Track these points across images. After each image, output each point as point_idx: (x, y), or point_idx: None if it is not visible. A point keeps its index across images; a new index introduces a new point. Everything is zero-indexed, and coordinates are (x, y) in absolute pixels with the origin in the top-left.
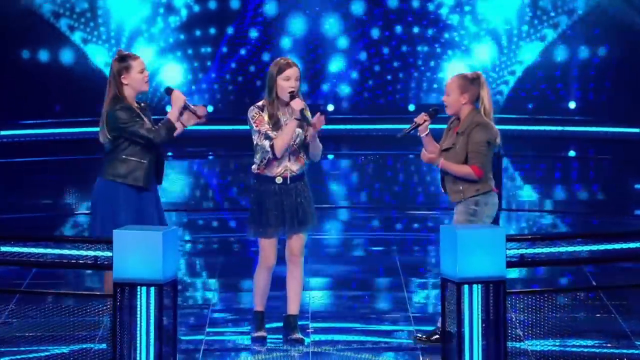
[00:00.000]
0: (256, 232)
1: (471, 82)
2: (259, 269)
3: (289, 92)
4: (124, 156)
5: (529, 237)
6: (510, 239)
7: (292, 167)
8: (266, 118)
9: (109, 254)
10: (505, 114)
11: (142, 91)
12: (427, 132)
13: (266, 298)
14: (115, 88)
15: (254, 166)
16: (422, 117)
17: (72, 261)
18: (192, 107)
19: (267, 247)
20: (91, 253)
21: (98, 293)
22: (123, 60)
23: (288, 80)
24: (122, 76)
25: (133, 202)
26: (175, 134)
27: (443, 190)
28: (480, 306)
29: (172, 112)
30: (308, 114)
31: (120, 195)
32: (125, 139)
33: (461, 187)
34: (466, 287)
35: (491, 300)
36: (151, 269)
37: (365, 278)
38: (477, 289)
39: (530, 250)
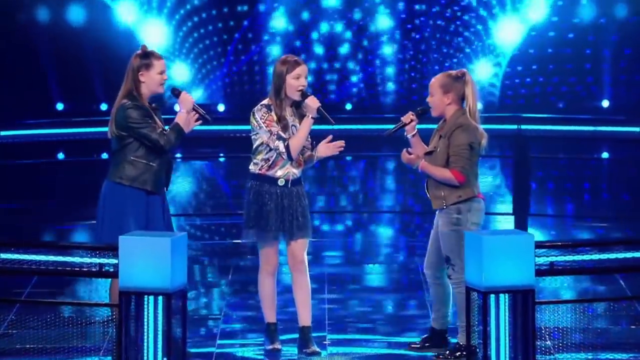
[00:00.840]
0: (256, 235)
1: (455, 80)
2: (261, 277)
3: (299, 91)
4: (132, 158)
5: (559, 243)
6: (539, 245)
7: (294, 169)
8: (275, 118)
9: (114, 261)
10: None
11: (156, 93)
12: (414, 133)
13: (275, 307)
14: (132, 83)
15: (253, 166)
16: (408, 117)
17: (76, 269)
18: (202, 110)
19: (268, 252)
20: (96, 260)
21: (103, 302)
22: (146, 57)
23: (298, 79)
24: (141, 72)
25: (141, 206)
26: None
27: (427, 194)
28: (507, 317)
29: (180, 115)
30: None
31: (128, 199)
32: (134, 139)
33: (443, 193)
34: (492, 296)
35: (519, 310)
36: (159, 277)
37: (386, 286)
38: (504, 299)
39: (560, 258)
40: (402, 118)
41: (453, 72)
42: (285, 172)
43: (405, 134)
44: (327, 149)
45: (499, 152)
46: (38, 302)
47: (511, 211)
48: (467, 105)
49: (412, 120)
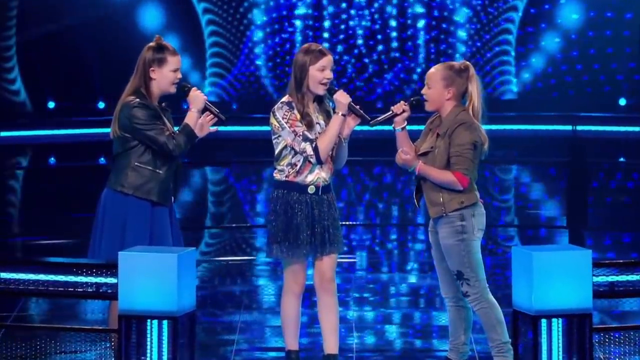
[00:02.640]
0: (283, 251)
1: (458, 74)
2: (286, 298)
3: (323, 84)
4: (136, 164)
5: (621, 261)
6: (597, 264)
7: (323, 174)
8: (298, 116)
9: (113, 280)
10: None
11: (167, 93)
12: (403, 126)
13: (298, 333)
14: (142, 79)
15: (278, 174)
16: (400, 106)
17: (70, 289)
18: (215, 108)
19: (296, 270)
20: (92, 280)
21: (100, 328)
22: (159, 50)
23: (323, 71)
24: (152, 68)
25: (144, 219)
26: None
27: (415, 203)
28: (561, 344)
29: (190, 115)
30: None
31: (130, 210)
32: (139, 143)
33: (442, 199)
34: (544, 321)
35: (574, 337)
36: (164, 299)
37: (420, 310)
38: (557, 324)
39: (621, 278)
40: (392, 108)
41: (456, 63)
42: (315, 177)
43: (393, 126)
44: (348, 124)
45: (551, 157)
46: (25, 326)
47: (565, 224)
48: (471, 103)
49: (404, 111)
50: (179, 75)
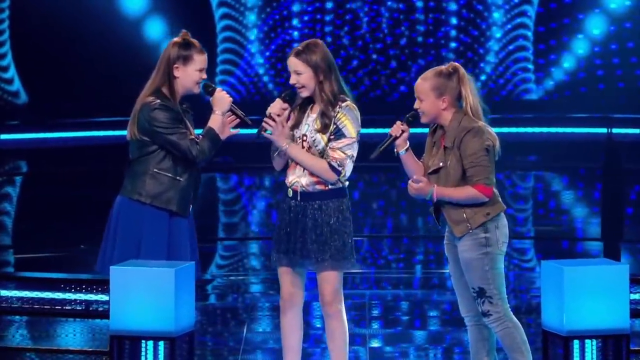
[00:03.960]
0: (273, 260)
1: (448, 79)
2: (281, 311)
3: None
4: (155, 170)
5: None
6: (635, 279)
7: (301, 178)
8: None
9: (104, 297)
10: None
11: (190, 93)
12: (406, 147)
13: (297, 353)
14: (165, 78)
15: None
16: (398, 128)
17: (57, 307)
18: (240, 111)
19: (282, 280)
20: (81, 297)
21: (90, 350)
22: (186, 47)
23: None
24: (176, 66)
25: (162, 229)
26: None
27: (436, 223)
28: None
29: (214, 118)
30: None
31: (147, 220)
32: (159, 147)
33: (465, 215)
34: (576, 342)
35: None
36: (160, 318)
37: (440, 330)
38: (591, 346)
39: None
40: (390, 132)
41: (443, 68)
42: (294, 179)
43: (395, 150)
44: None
45: (583, 162)
46: (8, 348)
47: (599, 236)
48: (467, 105)
49: (403, 132)
50: (204, 76)
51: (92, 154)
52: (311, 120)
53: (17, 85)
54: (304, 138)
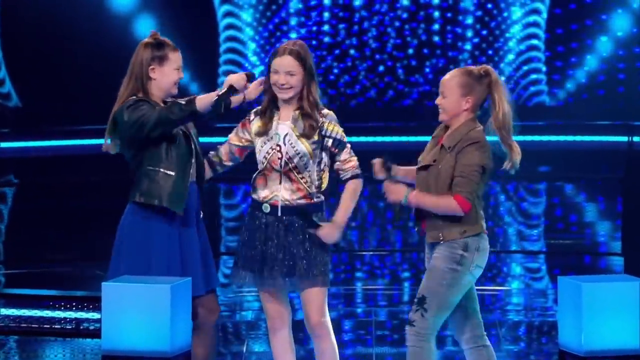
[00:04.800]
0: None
1: (478, 81)
2: (270, 332)
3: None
4: (149, 167)
5: None
6: None
7: (285, 194)
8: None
9: (95, 315)
10: None
11: (169, 94)
12: (388, 174)
13: None
14: (139, 82)
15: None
16: (380, 171)
17: (45, 326)
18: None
19: (264, 299)
20: (71, 315)
21: None
22: (159, 47)
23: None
24: (152, 67)
25: (167, 234)
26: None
27: (414, 227)
28: None
29: (210, 94)
30: None
31: (153, 223)
32: (146, 145)
33: (441, 222)
34: None
35: None
36: (155, 337)
37: (453, 349)
38: None
39: None
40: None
41: (474, 68)
42: (271, 194)
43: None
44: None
45: (603, 172)
46: None
47: (619, 251)
48: (495, 114)
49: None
50: (182, 74)
51: (81, 163)
52: (286, 128)
53: (7, 87)
54: (278, 148)
